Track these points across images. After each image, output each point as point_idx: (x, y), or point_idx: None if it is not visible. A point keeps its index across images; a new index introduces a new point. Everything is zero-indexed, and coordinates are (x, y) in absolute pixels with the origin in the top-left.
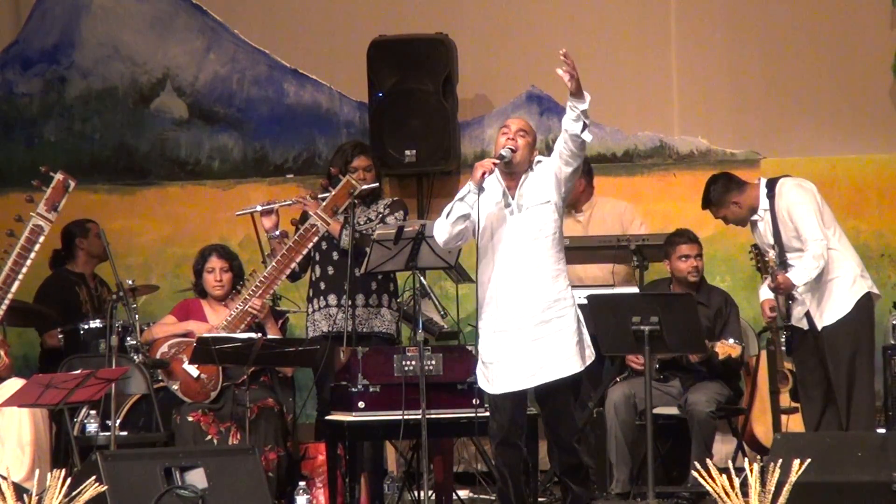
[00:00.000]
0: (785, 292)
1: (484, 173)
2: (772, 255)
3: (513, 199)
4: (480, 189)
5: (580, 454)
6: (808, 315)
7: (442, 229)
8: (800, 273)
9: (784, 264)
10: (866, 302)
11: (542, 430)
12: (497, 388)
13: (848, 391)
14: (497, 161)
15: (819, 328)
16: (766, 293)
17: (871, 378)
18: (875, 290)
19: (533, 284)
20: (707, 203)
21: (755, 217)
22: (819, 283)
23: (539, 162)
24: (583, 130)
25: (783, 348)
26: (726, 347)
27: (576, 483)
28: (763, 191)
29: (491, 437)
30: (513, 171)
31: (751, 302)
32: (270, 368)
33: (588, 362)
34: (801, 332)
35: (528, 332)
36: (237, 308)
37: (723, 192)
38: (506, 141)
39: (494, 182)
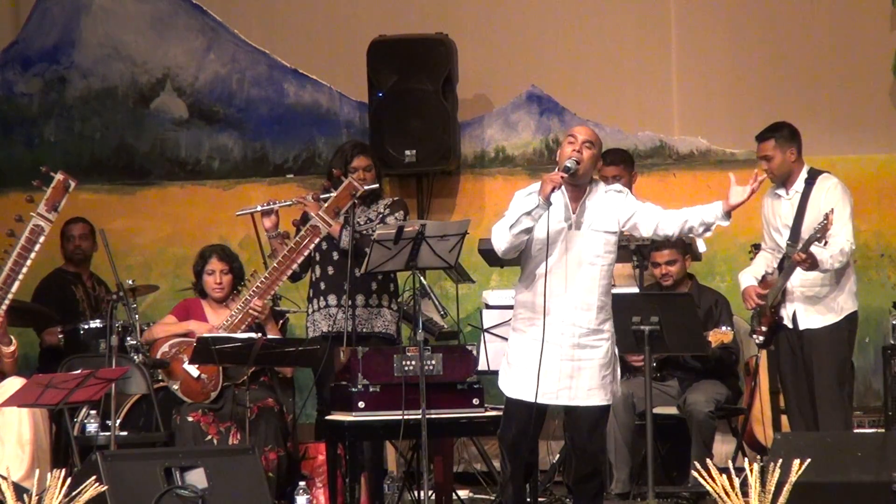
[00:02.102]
0: (810, 267)
1: (553, 188)
2: (775, 237)
3: (573, 213)
4: (549, 203)
5: (599, 466)
6: (794, 315)
7: (502, 239)
8: (827, 258)
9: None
10: (854, 318)
11: (543, 431)
12: (514, 392)
13: (829, 394)
14: (564, 175)
15: (801, 328)
16: (748, 280)
17: (850, 389)
18: (858, 311)
19: (579, 306)
20: (770, 134)
21: (780, 192)
22: (819, 286)
23: (617, 191)
24: (703, 233)
25: (759, 340)
26: (718, 335)
27: (587, 494)
28: (803, 174)
29: (499, 438)
30: (576, 184)
31: None
32: (270, 368)
33: (613, 398)
34: (783, 329)
35: (563, 352)
36: (238, 308)
37: (791, 138)
38: (571, 152)
39: (556, 194)
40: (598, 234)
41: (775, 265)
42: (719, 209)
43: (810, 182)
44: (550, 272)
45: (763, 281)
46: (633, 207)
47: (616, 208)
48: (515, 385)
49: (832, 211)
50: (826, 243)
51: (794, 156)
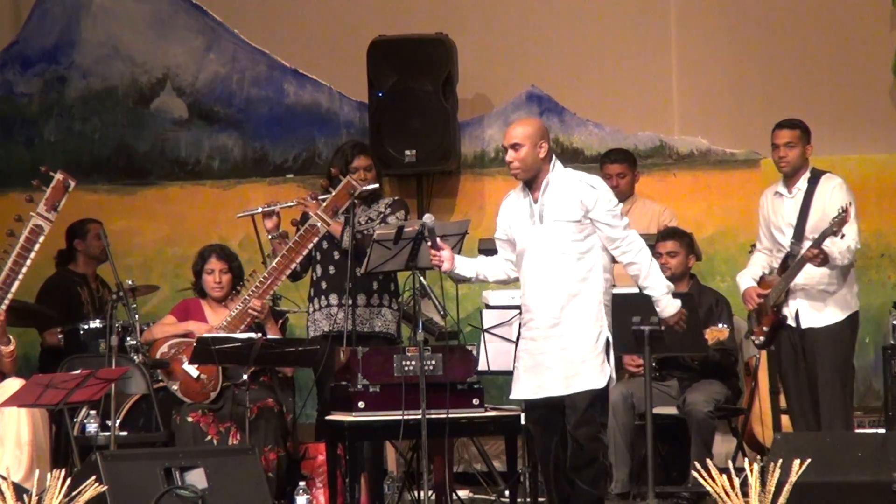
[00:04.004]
0: (822, 263)
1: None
2: (777, 236)
3: (535, 203)
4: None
5: (594, 452)
6: (797, 313)
7: None
8: (836, 253)
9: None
10: (856, 317)
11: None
12: (517, 393)
13: (831, 393)
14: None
15: (804, 327)
16: (747, 282)
17: (851, 388)
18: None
19: (550, 299)
20: (797, 124)
21: (782, 190)
22: (823, 284)
23: (590, 184)
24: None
25: (759, 341)
26: (714, 332)
27: (583, 480)
28: (807, 174)
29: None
30: (529, 180)
31: None
32: (271, 368)
33: (607, 382)
34: (785, 328)
35: (540, 345)
36: (237, 308)
37: (809, 135)
38: (509, 162)
39: (523, 192)
40: (561, 223)
41: (775, 265)
42: (658, 305)
43: (813, 181)
44: (528, 271)
45: (762, 281)
46: (596, 218)
47: (581, 203)
48: (514, 386)
49: (850, 204)
50: (843, 236)
51: (809, 152)
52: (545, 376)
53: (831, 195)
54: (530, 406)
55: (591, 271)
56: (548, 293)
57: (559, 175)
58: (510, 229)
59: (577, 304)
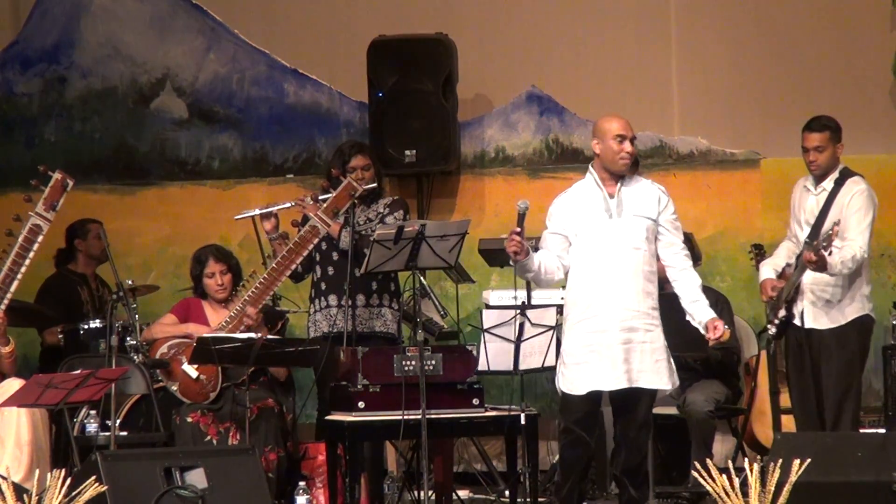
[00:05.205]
0: (818, 269)
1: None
2: (796, 230)
3: (611, 198)
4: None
5: (644, 458)
6: (802, 313)
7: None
8: (837, 262)
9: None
10: (862, 321)
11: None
12: (578, 388)
13: (834, 398)
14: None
15: (807, 327)
16: (766, 272)
17: (858, 393)
18: (873, 315)
19: (625, 292)
20: (826, 126)
21: (809, 185)
22: (831, 286)
23: (661, 190)
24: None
25: (773, 331)
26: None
27: (634, 485)
28: (835, 174)
29: (562, 433)
30: (610, 174)
31: (751, 302)
32: (264, 369)
33: (672, 386)
34: (792, 327)
35: (615, 336)
36: (236, 310)
37: (839, 133)
38: (623, 153)
39: (593, 187)
40: (641, 219)
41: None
42: (702, 318)
43: (840, 182)
44: (597, 264)
45: (783, 273)
46: (664, 221)
47: (658, 202)
48: (571, 380)
49: (838, 222)
50: (831, 252)
51: (840, 151)
52: (625, 367)
53: (851, 200)
54: (575, 403)
55: (653, 273)
56: (624, 287)
57: (634, 179)
58: (573, 224)
59: (650, 301)
